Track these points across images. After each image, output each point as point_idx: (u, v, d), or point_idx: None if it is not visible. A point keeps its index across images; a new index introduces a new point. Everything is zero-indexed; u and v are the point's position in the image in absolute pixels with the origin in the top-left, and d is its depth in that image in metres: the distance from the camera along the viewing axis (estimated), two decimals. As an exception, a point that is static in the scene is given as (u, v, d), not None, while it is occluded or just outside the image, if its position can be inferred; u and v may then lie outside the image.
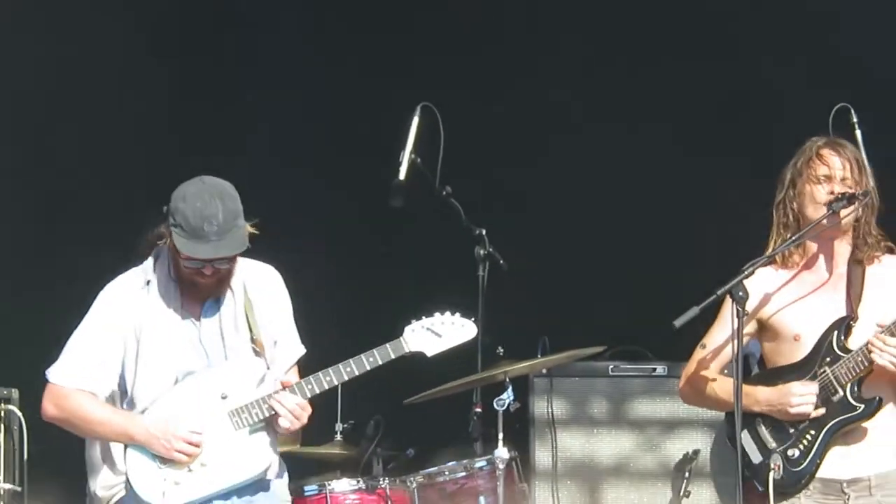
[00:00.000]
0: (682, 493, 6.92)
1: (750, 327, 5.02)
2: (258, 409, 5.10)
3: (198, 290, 5.14)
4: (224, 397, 5.12)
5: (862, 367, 4.87)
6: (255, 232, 5.11)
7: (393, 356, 5.21)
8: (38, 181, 7.91)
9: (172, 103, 8.01)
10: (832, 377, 4.90)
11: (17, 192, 7.79)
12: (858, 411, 4.87)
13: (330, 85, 8.22)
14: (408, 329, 5.27)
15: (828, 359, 4.90)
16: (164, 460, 5.09)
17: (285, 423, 5.09)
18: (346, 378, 5.15)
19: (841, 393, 4.90)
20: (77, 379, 5.13)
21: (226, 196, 5.07)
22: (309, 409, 5.14)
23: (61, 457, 6.13)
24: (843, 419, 4.89)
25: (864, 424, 4.91)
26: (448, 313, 5.35)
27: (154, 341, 5.14)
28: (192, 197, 5.05)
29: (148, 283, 5.18)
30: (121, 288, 5.21)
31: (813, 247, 5.02)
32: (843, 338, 4.90)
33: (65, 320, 5.42)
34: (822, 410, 4.92)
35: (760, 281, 4.97)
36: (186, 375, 5.15)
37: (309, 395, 5.11)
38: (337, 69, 8.23)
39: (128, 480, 5.13)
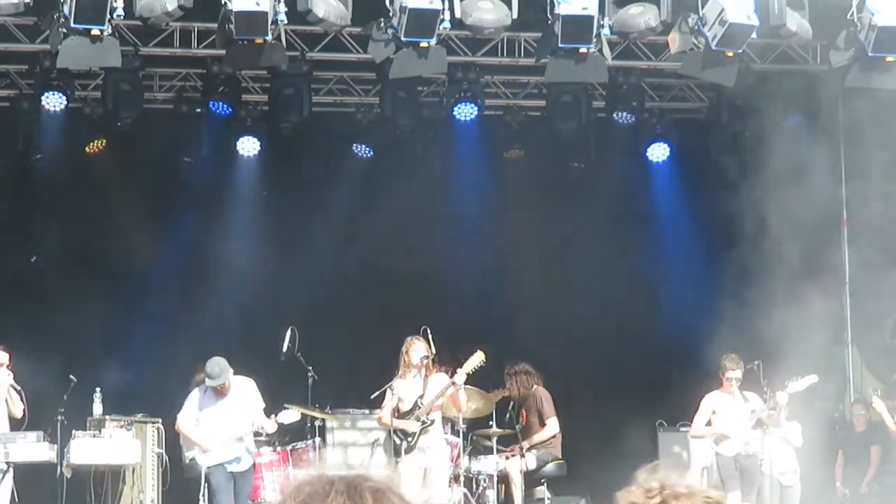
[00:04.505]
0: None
1: None
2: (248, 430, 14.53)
3: (220, 394, 13.95)
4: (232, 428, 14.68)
5: (429, 406, 13.39)
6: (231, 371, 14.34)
7: None
8: None
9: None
10: (417, 414, 13.35)
11: None
12: (428, 423, 13.55)
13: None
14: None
15: (416, 409, 13.49)
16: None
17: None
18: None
19: (423, 420, 13.55)
20: (188, 419, 13.96)
21: (222, 364, 14.17)
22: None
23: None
24: (422, 427, 13.63)
25: (430, 429, 13.52)
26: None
27: (206, 409, 13.87)
28: (211, 364, 13.89)
29: (205, 391, 13.98)
30: (196, 393, 14.08)
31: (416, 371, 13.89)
32: (420, 400, 13.51)
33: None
34: (417, 426, 13.64)
35: (400, 383, 14.00)
36: (217, 419, 14.01)
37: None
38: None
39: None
